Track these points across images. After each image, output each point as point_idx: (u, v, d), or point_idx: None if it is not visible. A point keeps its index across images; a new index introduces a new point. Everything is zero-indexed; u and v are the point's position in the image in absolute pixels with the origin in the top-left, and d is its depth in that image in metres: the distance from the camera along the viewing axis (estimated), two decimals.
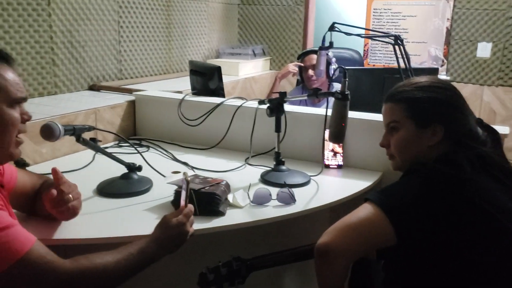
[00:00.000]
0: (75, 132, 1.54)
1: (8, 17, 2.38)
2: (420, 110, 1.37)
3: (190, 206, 1.35)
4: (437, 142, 1.36)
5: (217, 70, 2.55)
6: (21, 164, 1.74)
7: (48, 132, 1.47)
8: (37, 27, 2.53)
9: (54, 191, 1.28)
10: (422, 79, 1.43)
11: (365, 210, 1.24)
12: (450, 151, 1.32)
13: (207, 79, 2.55)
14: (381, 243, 1.26)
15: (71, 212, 1.33)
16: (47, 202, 1.30)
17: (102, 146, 2.12)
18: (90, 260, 1.13)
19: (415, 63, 3.74)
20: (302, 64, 3.08)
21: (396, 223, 1.21)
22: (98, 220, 1.50)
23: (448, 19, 3.93)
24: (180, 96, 2.48)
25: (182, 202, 1.35)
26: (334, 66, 2.95)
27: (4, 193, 1.20)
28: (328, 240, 1.21)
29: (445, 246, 1.22)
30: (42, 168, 1.92)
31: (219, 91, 2.57)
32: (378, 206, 1.23)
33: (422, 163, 1.32)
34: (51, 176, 1.42)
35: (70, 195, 1.31)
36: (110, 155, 1.72)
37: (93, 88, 2.88)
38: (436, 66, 3.84)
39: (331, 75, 2.93)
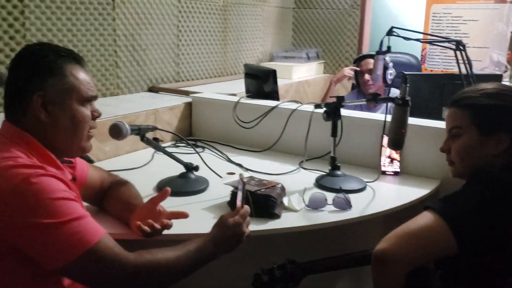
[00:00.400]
0: (140, 131, 1.61)
1: (76, 21, 2.50)
2: (485, 117, 1.33)
3: (246, 207, 1.37)
4: (501, 151, 1.31)
5: (272, 73, 2.56)
6: (87, 160, 1.82)
7: (116, 131, 1.55)
8: (102, 30, 2.64)
9: (149, 221, 1.32)
10: (489, 85, 1.38)
11: (426, 218, 1.22)
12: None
13: (262, 82, 2.57)
14: (441, 253, 1.23)
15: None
16: (134, 226, 1.33)
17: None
18: (153, 254, 1.17)
19: (475, 69, 3.61)
20: (358, 69, 3.05)
21: (458, 232, 1.18)
22: None
23: None
24: (235, 99, 2.52)
25: (239, 203, 1.37)
26: (391, 71, 2.90)
27: (76, 186, 1.27)
28: (387, 246, 1.19)
29: (508, 258, 1.18)
30: (106, 165, 2.00)
31: (273, 94, 2.58)
32: (439, 215, 1.20)
33: (486, 171, 1.29)
34: (115, 173, 1.49)
35: (170, 222, 1.35)
36: (170, 155, 1.77)
37: (152, 89, 2.97)
38: (499, 72, 3.69)
39: (387, 80, 2.89)
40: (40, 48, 1.22)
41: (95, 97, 1.27)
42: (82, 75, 1.23)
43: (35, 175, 1.06)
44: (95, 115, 1.29)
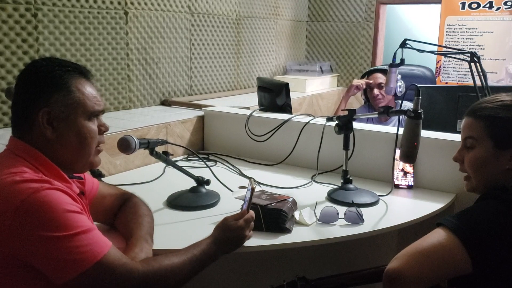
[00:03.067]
0: (149, 145, 1.61)
1: (89, 35, 2.53)
2: (501, 131, 1.29)
3: (252, 212, 1.40)
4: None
5: (285, 86, 2.55)
6: (97, 175, 1.83)
7: (125, 145, 1.54)
8: (115, 44, 2.66)
9: None
10: (508, 97, 1.34)
11: (439, 236, 1.18)
12: None
13: (274, 95, 2.57)
14: (455, 272, 1.19)
15: None
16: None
17: (172, 159, 2.19)
18: (159, 262, 1.19)
19: (491, 81, 3.56)
20: (371, 81, 3.02)
21: (473, 251, 1.14)
22: (168, 232, 1.53)
23: None
24: (247, 112, 2.52)
25: (245, 207, 1.39)
26: (399, 83, 2.86)
27: (84, 201, 1.27)
28: (399, 266, 1.15)
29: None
30: (116, 179, 2.02)
31: (286, 108, 2.57)
32: (453, 233, 1.16)
33: (501, 187, 1.25)
34: (126, 188, 1.48)
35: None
36: (180, 169, 1.77)
37: (164, 103, 2.99)
38: None
39: (397, 93, 2.85)
40: (46, 63, 1.21)
41: (102, 111, 1.27)
42: (88, 89, 1.22)
43: (41, 189, 1.06)
44: (103, 130, 1.28)
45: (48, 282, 1.08)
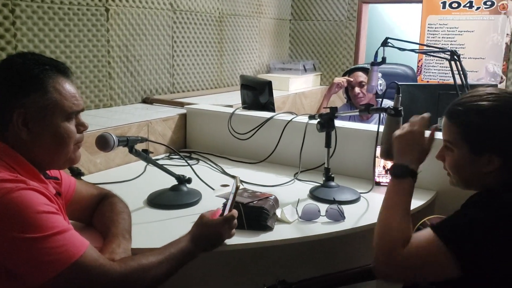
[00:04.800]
0: (128, 143, 1.59)
1: (69, 32, 2.49)
2: (474, 137, 1.25)
3: (234, 211, 1.39)
4: (493, 171, 1.27)
5: (268, 84, 2.55)
6: (76, 173, 1.80)
7: (103, 143, 1.52)
8: (96, 41, 2.63)
9: None
10: (485, 96, 1.27)
11: (428, 240, 1.18)
12: None
13: (257, 93, 2.56)
14: (443, 276, 1.19)
15: None
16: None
17: (153, 157, 2.17)
18: (136, 261, 1.17)
19: (471, 79, 3.60)
20: (351, 79, 3.03)
21: (462, 257, 1.14)
22: (148, 230, 1.52)
23: (507, 34, 3.78)
24: (230, 110, 2.51)
25: (228, 206, 1.39)
26: (380, 81, 2.88)
27: (61, 202, 1.24)
28: (384, 266, 1.20)
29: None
30: (97, 177, 1.99)
31: (269, 106, 2.57)
32: (443, 243, 1.16)
33: (491, 192, 1.24)
34: (106, 187, 1.45)
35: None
36: (160, 167, 1.75)
37: (146, 101, 2.96)
38: (494, 83, 3.69)
39: (378, 91, 2.87)
40: (22, 60, 1.17)
41: (80, 111, 1.24)
42: (66, 88, 1.19)
43: (16, 190, 1.04)
44: (81, 129, 1.25)
45: (23, 283, 1.06)
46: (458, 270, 1.14)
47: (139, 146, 1.68)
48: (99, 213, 1.43)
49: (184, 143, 2.60)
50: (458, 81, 2.25)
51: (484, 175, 1.27)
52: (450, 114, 1.32)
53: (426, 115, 1.37)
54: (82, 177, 1.84)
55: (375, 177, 2.00)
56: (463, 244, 1.15)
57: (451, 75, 2.29)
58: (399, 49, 2.30)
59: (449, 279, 1.18)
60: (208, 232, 1.34)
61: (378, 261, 1.22)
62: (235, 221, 1.39)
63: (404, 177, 1.31)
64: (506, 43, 3.80)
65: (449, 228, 1.19)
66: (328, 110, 1.90)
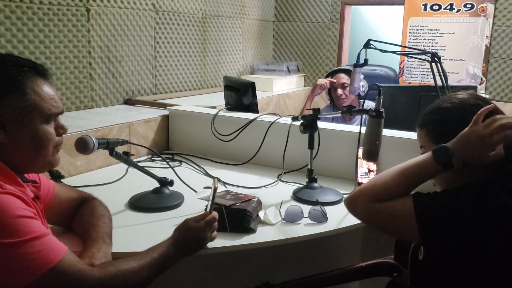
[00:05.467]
0: (109, 145, 1.56)
1: (49, 32, 2.45)
2: (437, 132, 1.32)
3: (215, 214, 1.38)
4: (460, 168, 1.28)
5: (251, 86, 2.55)
6: (56, 176, 1.77)
7: (82, 145, 1.49)
8: (76, 42, 2.60)
9: None
10: (445, 98, 1.37)
11: (403, 204, 1.23)
12: (499, 177, 1.25)
13: (241, 94, 2.55)
14: (403, 236, 1.34)
15: None
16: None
17: (135, 160, 2.15)
18: (116, 267, 1.15)
19: (452, 81, 3.66)
20: (335, 80, 3.04)
21: (423, 227, 1.19)
22: (129, 234, 1.50)
23: (487, 36, 3.84)
24: (213, 112, 2.49)
25: (208, 208, 1.37)
26: (362, 83, 2.89)
27: (39, 206, 1.22)
28: (354, 212, 1.32)
29: (474, 269, 1.17)
30: (77, 180, 1.96)
31: (252, 107, 2.57)
32: (413, 204, 1.21)
33: (478, 185, 1.25)
34: (86, 189, 1.43)
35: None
36: (142, 169, 1.73)
37: (128, 102, 2.93)
38: (474, 84, 3.74)
39: (360, 92, 2.89)
40: None
41: (59, 113, 1.21)
42: (45, 90, 1.16)
43: None
44: (61, 132, 1.23)
45: None
46: (417, 240, 1.21)
47: (120, 148, 1.66)
48: (79, 217, 1.40)
49: (166, 145, 2.58)
50: (439, 83, 2.27)
51: (457, 173, 1.28)
52: (419, 123, 1.40)
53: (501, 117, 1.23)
54: (62, 180, 1.81)
55: (358, 178, 2.01)
56: (430, 221, 1.18)
57: (432, 77, 2.31)
58: (381, 51, 2.31)
59: (410, 241, 1.31)
60: (190, 237, 1.32)
61: (353, 199, 1.30)
62: (216, 223, 1.38)
63: (439, 161, 1.24)
64: (486, 45, 3.85)
65: (427, 202, 1.22)
66: (311, 112, 1.90)
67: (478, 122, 1.21)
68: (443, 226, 1.17)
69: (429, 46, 3.97)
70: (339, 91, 2.99)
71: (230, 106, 2.63)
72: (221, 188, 1.79)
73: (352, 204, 1.31)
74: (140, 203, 1.71)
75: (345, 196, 1.36)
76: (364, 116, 2.53)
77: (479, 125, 1.20)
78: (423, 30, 4.03)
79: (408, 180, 1.26)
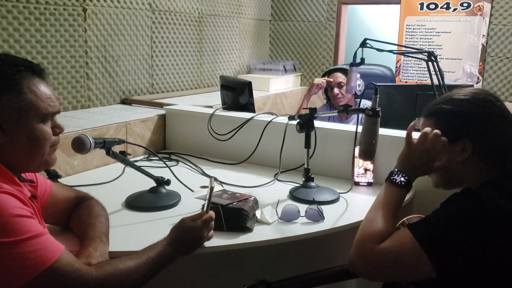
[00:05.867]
0: (105, 145, 1.57)
1: (46, 32, 2.45)
2: (448, 123, 1.32)
3: (211, 213, 1.38)
4: (466, 159, 1.30)
5: (248, 85, 2.55)
6: (53, 176, 1.77)
7: (79, 145, 1.49)
8: (73, 42, 2.59)
9: None
10: (459, 91, 1.37)
11: (404, 239, 1.20)
12: (496, 178, 1.25)
13: (237, 94, 2.56)
14: (416, 276, 1.23)
15: None
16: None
17: (132, 159, 2.15)
18: (113, 266, 1.15)
19: (449, 80, 3.67)
20: (331, 80, 3.05)
21: (436, 259, 1.16)
22: (126, 233, 1.50)
23: (483, 35, 3.85)
24: (210, 111, 2.50)
25: (204, 208, 1.38)
26: (358, 82, 2.90)
27: (36, 205, 1.22)
28: (359, 265, 1.24)
29: (474, 279, 1.17)
30: (74, 180, 1.96)
31: (249, 106, 2.57)
32: (416, 239, 1.18)
33: (468, 190, 1.26)
34: (83, 189, 1.43)
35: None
36: (138, 169, 1.73)
37: (125, 102, 2.93)
38: (471, 83, 3.75)
39: (356, 92, 2.89)
40: None
41: (56, 112, 1.22)
42: (42, 90, 1.16)
43: None
44: (57, 131, 1.23)
45: None
46: (432, 270, 1.16)
47: (117, 148, 1.66)
48: (76, 216, 1.40)
49: (163, 144, 2.58)
50: (436, 82, 2.28)
51: (460, 166, 1.29)
52: (426, 112, 1.39)
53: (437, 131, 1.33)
54: (59, 180, 1.81)
55: (354, 177, 2.02)
56: (436, 243, 1.17)
57: (429, 76, 2.31)
58: (378, 50, 2.32)
59: (425, 279, 1.20)
60: (187, 236, 1.32)
61: (354, 254, 1.26)
62: (213, 222, 1.38)
63: (400, 187, 1.34)
64: (482, 44, 3.87)
65: (424, 226, 1.21)
66: (308, 111, 1.90)
67: (412, 142, 1.34)
68: (449, 243, 1.16)
69: (425, 45, 3.98)
70: (336, 90, 2.99)
71: (227, 106, 2.63)
72: (217, 188, 1.79)
73: (363, 259, 1.25)
74: (137, 203, 1.71)
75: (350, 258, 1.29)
76: (360, 115, 2.54)
77: (415, 144, 1.33)
78: (420, 29, 4.04)
79: (391, 214, 1.30)
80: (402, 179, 1.32)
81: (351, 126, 2.24)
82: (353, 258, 1.26)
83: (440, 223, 1.19)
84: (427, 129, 1.33)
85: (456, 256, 1.16)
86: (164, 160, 2.10)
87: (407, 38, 4.09)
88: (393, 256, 1.20)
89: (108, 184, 1.96)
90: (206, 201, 1.38)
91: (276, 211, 1.66)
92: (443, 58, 3.91)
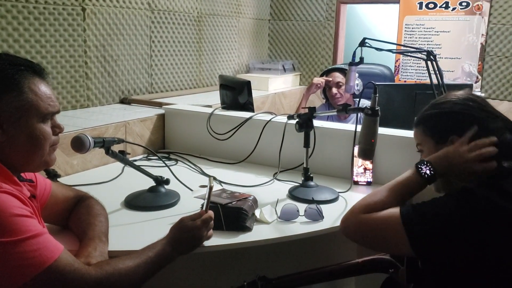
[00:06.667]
0: (105, 144, 1.57)
1: (45, 32, 2.45)
2: (434, 127, 1.36)
3: (210, 212, 1.38)
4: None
5: (247, 84, 2.55)
6: (52, 175, 1.77)
7: (78, 144, 1.49)
8: (72, 41, 2.59)
9: None
10: (440, 97, 1.44)
11: (390, 215, 1.25)
12: (492, 176, 1.26)
13: (236, 93, 2.56)
14: (396, 251, 1.34)
15: None
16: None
17: (131, 158, 2.15)
18: (112, 266, 1.15)
19: (448, 79, 3.67)
20: (330, 79, 3.05)
21: (413, 239, 1.20)
22: (125, 233, 1.50)
23: (482, 34, 3.85)
24: (209, 110, 2.50)
25: (203, 208, 1.38)
26: (357, 81, 2.89)
27: (36, 205, 1.22)
28: (347, 227, 1.34)
29: (474, 278, 1.18)
30: (73, 179, 1.96)
31: (248, 106, 2.57)
32: (401, 217, 1.22)
33: (466, 189, 1.27)
34: (82, 188, 1.43)
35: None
36: (138, 168, 1.73)
37: (124, 101, 2.93)
38: (470, 82, 3.75)
39: (354, 91, 2.89)
40: None
41: (56, 112, 1.22)
42: (42, 89, 1.17)
43: None
44: (57, 131, 1.23)
45: None
46: (409, 249, 1.20)
47: (116, 147, 1.66)
48: (76, 216, 1.41)
49: (162, 144, 2.58)
50: (435, 81, 2.28)
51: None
52: (415, 122, 1.44)
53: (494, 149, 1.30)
54: (58, 179, 1.81)
55: (353, 177, 2.02)
56: (426, 238, 1.19)
57: (428, 75, 2.31)
58: (377, 49, 2.32)
59: (402, 254, 1.30)
60: (187, 235, 1.32)
61: (347, 213, 1.34)
62: (212, 222, 1.38)
63: (421, 177, 1.33)
64: (481, 43, 3.87)
65: (414, 211, 1.23)
66: (307, 110, 1.91)
67: (463, 143, 1.30)
68: (431, 234, 1.18)
69: (424, 44, 3.98)
70: (334, 90, 3.00)
71: (226, 105, 2.63)
72: (217, 187, 1.79)
73: (345, 222, 1.34)
74: (136, 202, 1.71)
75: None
76: (359, 115, 2.54)
77: (464, 147, 1.29)
78: (419, 28, 4.04)
79: (397, 195, 1.31)
80: (428, 172, 1.31)
81: (351, 126, 2.24)
82: (344, 220, 1.35)
83: (436, 219, 1.19)
84: (482, 141, 1.29)
85: (438, 246, 1.18)
86: (163, 159, 2.11)
87: (406, 37, 4.09)
88: (375, 225, 1.26)
89: (108, 183, 1.96)
90: (205, 201, 1.38)
91: (276, 210, 1.66)
92: (442, 57, 3.91)
